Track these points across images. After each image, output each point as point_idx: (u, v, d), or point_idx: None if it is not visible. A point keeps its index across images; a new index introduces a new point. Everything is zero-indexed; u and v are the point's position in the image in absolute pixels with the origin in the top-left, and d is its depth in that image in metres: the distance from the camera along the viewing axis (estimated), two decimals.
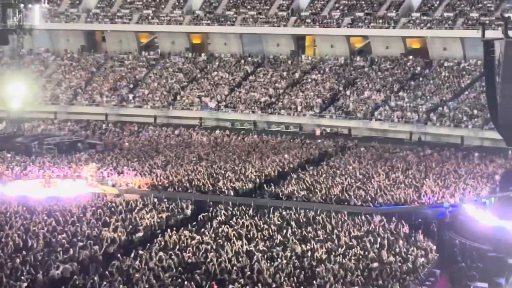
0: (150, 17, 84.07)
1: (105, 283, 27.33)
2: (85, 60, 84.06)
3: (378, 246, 32.54)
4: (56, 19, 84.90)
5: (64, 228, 34.08)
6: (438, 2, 76.24)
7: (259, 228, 35.01)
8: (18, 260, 29.06)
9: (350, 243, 32.71)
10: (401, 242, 33.25)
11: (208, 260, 29.88)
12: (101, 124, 71.49)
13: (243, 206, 39.35)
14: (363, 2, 79.08)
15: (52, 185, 45.82)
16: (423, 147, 59.48)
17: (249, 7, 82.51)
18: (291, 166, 51.10)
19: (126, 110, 75.18)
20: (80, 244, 31.65)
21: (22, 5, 63.62)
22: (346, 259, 30.58)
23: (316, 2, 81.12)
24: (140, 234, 34.58)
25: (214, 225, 35.61)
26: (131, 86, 78.81)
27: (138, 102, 76.02)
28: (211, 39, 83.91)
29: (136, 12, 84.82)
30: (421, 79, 72.26)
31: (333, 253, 31.37)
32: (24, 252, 30.25)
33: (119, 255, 30.97)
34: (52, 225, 34.40)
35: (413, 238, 34.37)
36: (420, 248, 32.90)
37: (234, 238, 33.03)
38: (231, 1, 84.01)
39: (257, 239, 33.14)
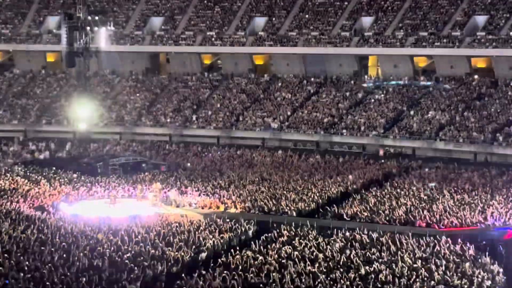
0: (213, 39, 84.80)
1: None
2: (149, 82, 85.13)
3: (443, 268, 32.09)
4: (121, 41, 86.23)
5: (129, 247, 34.43)
6: (503, 21, 75.21)
7: (322, 249, 34.84)
8: (84, 280, 29.42)
9: (415, 265, 32.31)
10: (467, 264, 32.72)
11: (271, 280, 29.83)
12: (165, 144, 72.22)
13: (305, 227, 39.24)
14: (427, 22, 78.50)
15: (117, 205, 46.43)
16: (489, 168, 58.51)
17: (311, 27, 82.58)
18: (354, 186, 50.81)
19: (190, 130, 75.78)
20: (145, 263, 31.92)
21: (88, 28, 64.98)
22: (410, 281, 30.21)
23: (379, 22, 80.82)
24: (204, 254, 34.71)
25: (277, 245, 35.56)
26: (195, 107, 79.47)
27: (201, 123, 76.60)
28: (274, 60, 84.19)
29: (200, 34, 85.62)
30: (486, 98, 71.23)
31: (398, 275, 31.02)
32: (90, 272, 30.63)
33: (182, 275, 31.14)
34: (117, 245, 34.80)
35: (479, 260, 33.79)
36: (487, 270, 32.32)
37: (297, 259, 32.93)
38: (294, 22, 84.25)
39: (320, 260, 32.98)
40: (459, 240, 36.29)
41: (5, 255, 32.53)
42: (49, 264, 31.24)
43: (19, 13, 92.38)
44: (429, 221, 41.02)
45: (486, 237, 37.59)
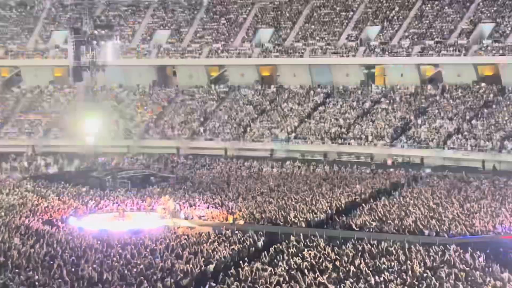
0: (219, 51, 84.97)
1: None
2: (156, 95, 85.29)
3: (453, 277, 31.96)
4: (128, 54, 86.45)
5: (138, 261, 34.42)
6: (509, 29, 75.20)
7: (331, 259, 34.77)
8: None
9: (425, 274, 32.20)
10: (477, 273, 32.59)
11: None
12: (172, 157, 72.18)
13: (314, 238, 39.17)
14: (433, 30, 78.52)
15: (126, 219, 46.45)
16: (497, 176, 58.32)
17: (317, 38, 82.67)
18: (363, 196, 50.71)
19: (197, 143, 75.83)
20: (154, 277, 31.90)
21: (95, 42, 65.14)
22: None
23: (385, 31, 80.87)
24: (213, 266, 34.69)
25: (286, 256, 35.50)
26: (202, 119, 79.57)
27: (208, 135, 76.67)
28: (280, 71, 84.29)
29: (206, 46, 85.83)
30: (494, 106, 71.11)
31: (407, 284, 30.91)
32: (100, 285, 30.62)
33: (192, 287, 31.10)
34: (126, 258, 34.79)
35: (489, 269, 33.65)
36: (497, 279, 32.18)
37: (306, 270, 32.86)
38: (300, 33, 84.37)
39: (329, 271, 32.90)
40: (469, 249, 36.17)
41: (16, 270, 32.57)
42: (59, 279, 31.25)
43: (26, 29, 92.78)
44: (438, 230, 40.89)
45: (496, 245, 37.44)
